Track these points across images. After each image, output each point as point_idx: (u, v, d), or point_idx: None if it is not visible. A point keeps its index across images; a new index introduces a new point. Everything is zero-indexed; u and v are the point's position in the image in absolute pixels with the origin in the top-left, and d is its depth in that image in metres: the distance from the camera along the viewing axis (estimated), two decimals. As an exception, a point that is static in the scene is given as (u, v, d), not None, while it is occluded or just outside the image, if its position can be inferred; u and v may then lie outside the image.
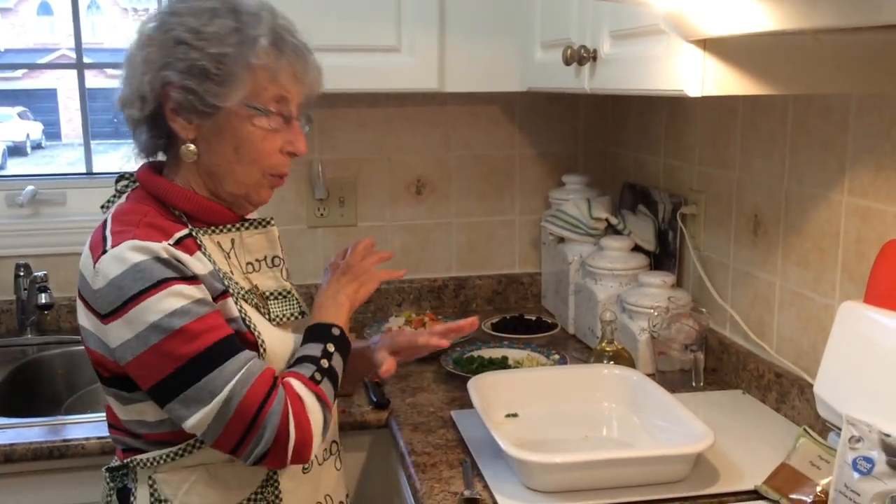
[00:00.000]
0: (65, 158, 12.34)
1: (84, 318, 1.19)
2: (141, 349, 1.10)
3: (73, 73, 2.35)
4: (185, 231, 1.20)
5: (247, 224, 1.29)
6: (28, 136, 12.51)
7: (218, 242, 1.25)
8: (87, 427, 1.66)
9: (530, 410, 1.60)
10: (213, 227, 1.25)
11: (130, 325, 1.10)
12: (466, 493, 1.32)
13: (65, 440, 1.61)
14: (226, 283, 1.20)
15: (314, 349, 1.24)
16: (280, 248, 1.33)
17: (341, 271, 1.37)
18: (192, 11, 1.18)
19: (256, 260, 1.30)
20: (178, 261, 1.13)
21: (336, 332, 1.27)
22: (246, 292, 1.24)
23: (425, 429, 1.60)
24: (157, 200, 1.23)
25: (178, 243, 1.17)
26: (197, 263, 1.17)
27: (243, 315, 1.20)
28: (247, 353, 1.15)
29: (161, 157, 1.29)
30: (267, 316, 1.26)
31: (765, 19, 1.01)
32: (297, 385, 1.18)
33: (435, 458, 1.47)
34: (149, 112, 1.19)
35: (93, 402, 2.01)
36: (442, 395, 1.78)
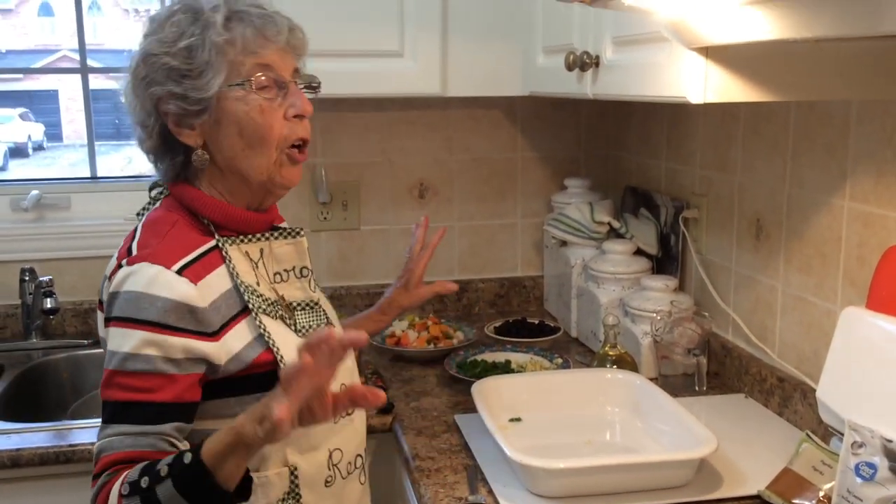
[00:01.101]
0: (66, 160, 12.34)
1: (101, 323, 1.21)
2: (106, 363, 1.14)
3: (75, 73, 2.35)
4: (210, 244, 1.21)
5: (276, 234, 1.27)
6: (29, 137, 12.52)
7: (246, 252, 1.24)
8: (93, 432, 1.62)
9: (534, 415, 1.61)
10: (242, 237, 1.24)
11: (112, 338, 1.13)
12: (471, 499, 1.33)
13: (71, 445, 1.62)
14: (246, 297, 1.19)
15: (162, 464, 1.05)
16: (309, 259, 1.31)
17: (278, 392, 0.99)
18: (153, 28, 1.20)
19: (285, 270, 1.28)
20: (179, 297, 1.12)
21: (187, 458, 1.03)
22: (270, 304, 1.23)
23: (429, 433, 1.61)
24: (187, 209, 1.24)
25: (198, 259, 1.17)
26: (215, 281, 1.17)
27: (262, 330, 1.19)
28: (138, 427, 1.10)
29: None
30: (293, 327, 1.25)
31: (767, 28, 1.01)
32: (114, 490, 1.07)
33: (439, 462, 1.48)
34: (157, 136, 1.21)
35: (98, 407, 1.98)
36: (446, 399, 1.79)
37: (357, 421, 1.36)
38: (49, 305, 2.10)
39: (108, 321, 1.14)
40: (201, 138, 1.20)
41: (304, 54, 1.25)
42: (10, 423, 1.72)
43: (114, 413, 1.12)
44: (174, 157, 1.23)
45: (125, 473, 1.07)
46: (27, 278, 2.16)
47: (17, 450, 1.60)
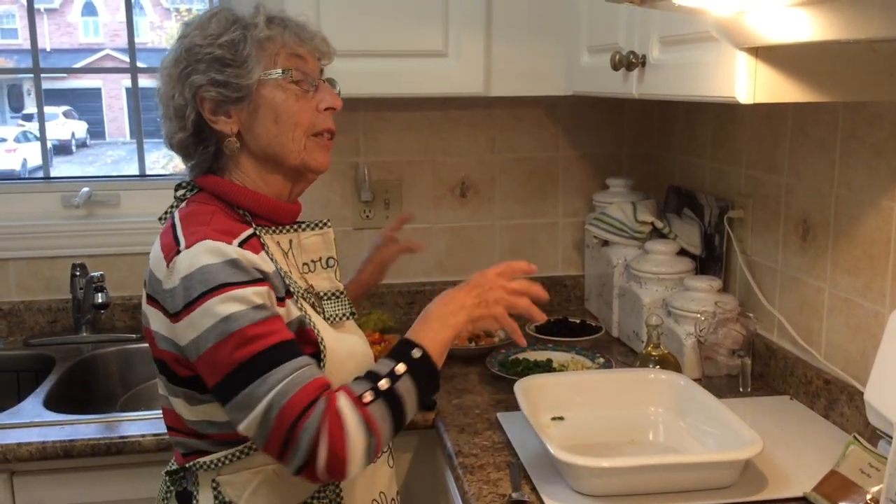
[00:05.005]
0: (109, 157, 12.58)
1: (154, 321, 1.20)
2: (201, 350, 1.13)
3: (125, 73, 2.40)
4: (249, 231, 1.24)
5: (304, 225, 1.33)
6: (73, 134, 12.79)
7: (278, 242, 1.29)
8: (143, 424, 1.70)
9: (576, 414, 1.61)
10: (274, 227, 1.29)
11: (193, 325, 1.13)
12: (514, 496, 1.34)
13: (122, 437, 1.65)
14: (287, 282, 1.24)
15: (383, 367, 1.19)
16: (335, 250, 1.37)
17: (472, 284, 1.31)
18: (193, 25, 1.28)
19: (312, 261, 1.34)
20: (249, 261, 1.16)
21: (416, 353, 1.20)
22: (303, 292, 1.28)
23: (472, 430, 1.62)
24: (220, 200, 1.27)
25: (244, 243, 1.20)
26: (264, 262, 1.20)
27: (304, 313, 1.23)
28: (298, 361, 1.13)
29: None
30: (322, 315, 1.30)
31: (819, 29, 1.01)
32: (343, 402, 1.12)
33: (482, 459, 1.49)
34: (192, 125, 1.26)
35: (147, 400, 2.06)
36: (487, 397, 1.80)
37: (386, 461, 1.42)
38: (100, 300, 2.14)
39: (193, 304, 1.12)
40: (237, 126, 1.27)
41: (330, 61, 1.36)
42: (63, 414, 1.76)
43: (257, 366, 1.11)
44: (206, 147, 1.29)
45: (343, 390, 1.14)
46: (78, 273, 2.20)
47: (70, 441, 1.64)
